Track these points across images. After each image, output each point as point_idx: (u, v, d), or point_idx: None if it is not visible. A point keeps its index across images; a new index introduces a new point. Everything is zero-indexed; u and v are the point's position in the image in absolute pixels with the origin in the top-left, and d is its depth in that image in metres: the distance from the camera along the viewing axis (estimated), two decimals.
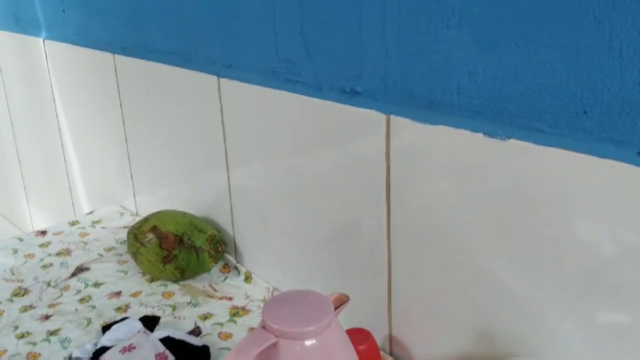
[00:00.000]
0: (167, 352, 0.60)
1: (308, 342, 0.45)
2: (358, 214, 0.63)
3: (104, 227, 0.99)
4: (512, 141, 0.46)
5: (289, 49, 0.65)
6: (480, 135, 0.48)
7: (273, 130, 0.70)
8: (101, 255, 0.90)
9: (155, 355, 0.59)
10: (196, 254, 0.80)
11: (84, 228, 0.99)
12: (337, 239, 0.68)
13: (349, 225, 0.65)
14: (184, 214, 0.84)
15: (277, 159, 0.71)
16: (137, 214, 1.03)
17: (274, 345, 0.45)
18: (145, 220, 0.83)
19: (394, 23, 0.53)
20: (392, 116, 0.55)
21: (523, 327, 0.50)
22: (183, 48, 0.80)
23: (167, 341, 0.66)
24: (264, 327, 0.46)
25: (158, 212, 0.84)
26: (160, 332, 0.67)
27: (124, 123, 0.97)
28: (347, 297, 0.50)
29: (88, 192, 1.15)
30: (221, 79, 0.75)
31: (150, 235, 0.80)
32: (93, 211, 1.05)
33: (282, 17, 0.64)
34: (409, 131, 0.53)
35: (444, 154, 0.51)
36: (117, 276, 0.85)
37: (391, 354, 0.64)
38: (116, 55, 0.93)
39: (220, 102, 0.76)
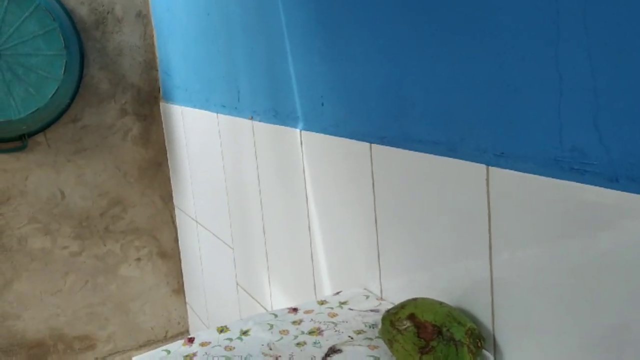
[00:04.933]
0: None
1: None
2: None
3: (351, 309, 1.01)
4: None
5: (576, 138, 0.62)
6: None
7: (550, 219, 0.66)
8: (351, 338, 0.92)
9: None
10: (455, 348, 0.77)
11: (332, 308, 1.02)
12: (618, 347, 0.61)
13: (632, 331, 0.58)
14: (441, 303, 0.82)
15: (552, 249, 0.67)
16: (381, 298, 1.04)
17: None
18: (402, 306, 0.83)
19: None
20: None
21: None
22: (448, 137, 0.81)
23: None
24: None
25: (414, 300, 0.84)
26: None
27: (375, 209, 1.01)
28: None
29: (331, 274, 1.20)
30: (490, 168, 0.74)
31: (408, 323, 0.79)
32: (340, 292, 1.08)
33: (569, 106, 0.62)
34: None
35: None
36: None
37: None
38: (373, 145, 0.98)
39: (488, 191, 0.75)
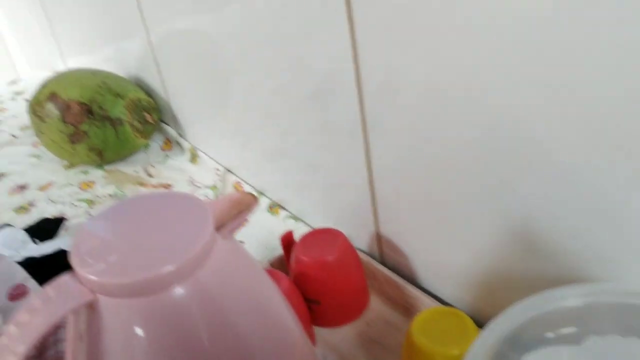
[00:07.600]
0: (30, 283, 0.40)
1: (156, 300, 0.22)
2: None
3: (27, 100, 0.77)
4: None
5: None
6: None
7: None
8: (14, 136, 0.69)
9: (9, 290, 0.38)
10: (113, 128, 0.57)
11: (1, 102, 0.77)
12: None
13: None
14: (94, 72, 0.60)
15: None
16: None
17: (90, 306, 0.23)
18: (44, 86, 0.60)
19: None
20: None
21: (592, 224, 0.26)
22: None
23: (57, 256, 0.45)
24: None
25: (58, 75, 0.61)
26: (49, 245, 0.46)
27: None
28: (254, 197, 0.27)
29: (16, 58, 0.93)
30: None
31: (49, 106, 0.57)
32: (16, 81, 0.82)
33: None
34: None
35: None
36: (28, 163, 0.64)
37: (382, 261, 0.41)
38: None
39: None
